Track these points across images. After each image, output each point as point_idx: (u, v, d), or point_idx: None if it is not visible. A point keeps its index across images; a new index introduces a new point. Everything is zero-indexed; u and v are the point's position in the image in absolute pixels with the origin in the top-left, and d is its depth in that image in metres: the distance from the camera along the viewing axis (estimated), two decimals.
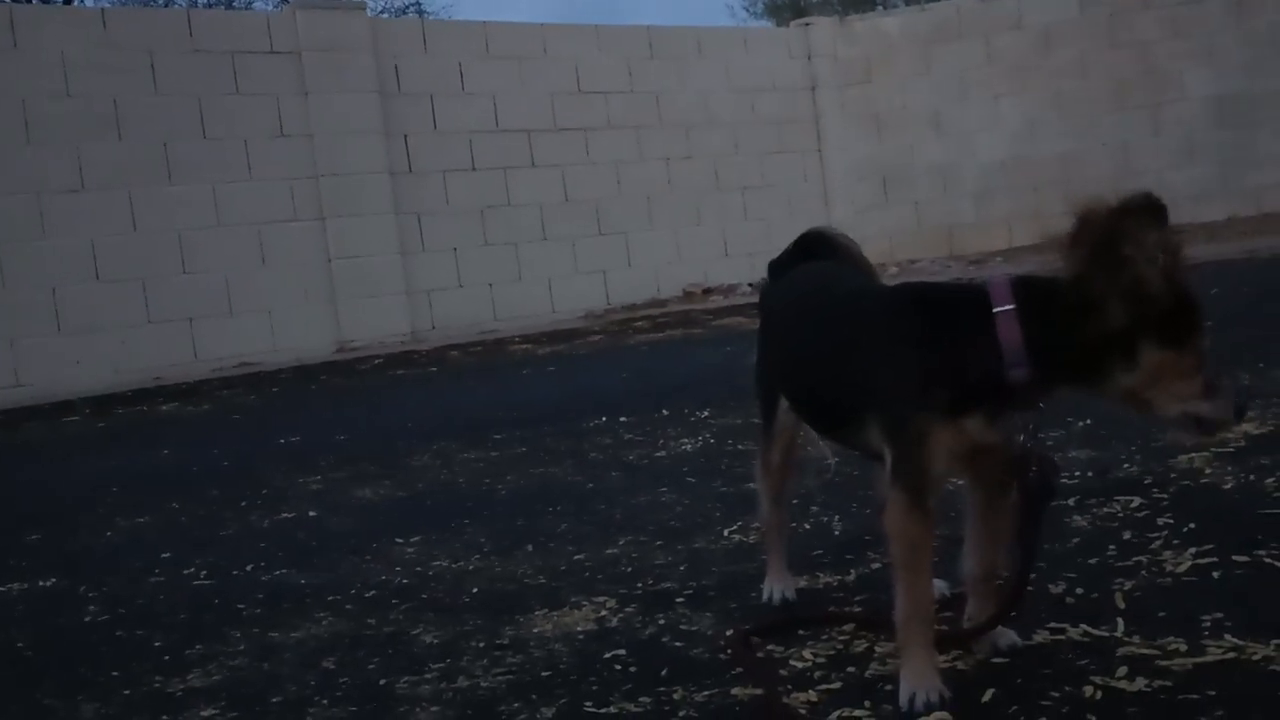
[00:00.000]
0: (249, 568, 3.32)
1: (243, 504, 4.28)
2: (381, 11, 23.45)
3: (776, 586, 2.49)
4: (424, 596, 2.84)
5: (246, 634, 2.69)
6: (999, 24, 14.07)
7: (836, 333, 2.06)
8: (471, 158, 11.81)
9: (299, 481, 4.60)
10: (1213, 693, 1.73)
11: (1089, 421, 3.77)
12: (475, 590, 2.84)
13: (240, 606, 2.93)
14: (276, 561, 3.36)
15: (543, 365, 8.40)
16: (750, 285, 12.87)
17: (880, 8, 16.15)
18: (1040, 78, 13.90)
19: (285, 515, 4.01)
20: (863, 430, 1.98)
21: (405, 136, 11.41)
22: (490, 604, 2.71)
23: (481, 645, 2.42)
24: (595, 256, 12.52)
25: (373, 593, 2.92)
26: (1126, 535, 2.59)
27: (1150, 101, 13.69)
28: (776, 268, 2.49)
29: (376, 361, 9.69)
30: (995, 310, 1.81)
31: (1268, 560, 2.28)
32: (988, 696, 1.85)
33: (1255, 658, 1.84)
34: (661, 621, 2.43)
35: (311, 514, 3.99)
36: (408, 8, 25.67)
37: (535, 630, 2.47)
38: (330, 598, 2.91)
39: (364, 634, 2.60)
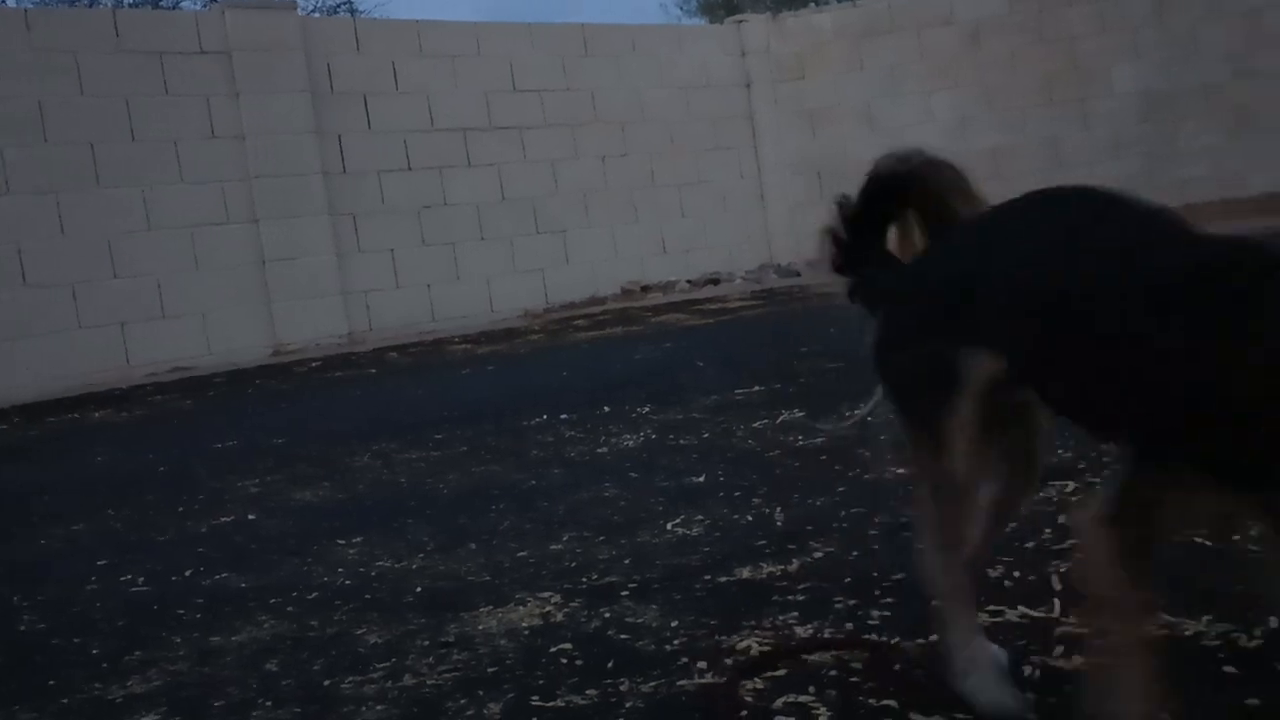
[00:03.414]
0: (188, 573, 3.28)
1: (180, 509, 4.22)
2: (313, 10, 23.20)
3: (986, 679, 1.74)
4: (367, 597, 2.82)
5: (186, 639, 2.66)
6: (930, 20, 14.23)
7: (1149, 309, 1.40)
8: (407, 157, 11.72)
9: (237, 485, 4.54)
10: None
11: None
12: (419, 589, 2.83)
13: (180, 611, 2.89)
14: (216, 565, 3.32)
15: (482, 365, 8.36)
16: (690, 282, 12.92)
17: (813, 4, 16.25)
18: (971, 73, 14.09)
19: (223, 519, 3.96)
20: None
21: (339, 136, 11.30)
22: (434, 602, 2.70)
23: (426, 644, 2.41)
24: (533, 255, 12.49)
25: (315, 594, 2.90)
26: (1062, 519, 2.63)
27: (1078, 96, 13.92)
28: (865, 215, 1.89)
29: (313, 364, 9.60)
30: None
31: (1197, 539, 2.33)
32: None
33: (1187, 633, 1.89)
34: (606, 615, 2.44)
35: (250, 517, 3.95)
36: (339, 6, 25.43)
37: (480, 627, 2.47)
38: (271, 600, 2.88)
39: (307, 635, 2.58)
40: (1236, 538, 2.26)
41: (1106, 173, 12.88)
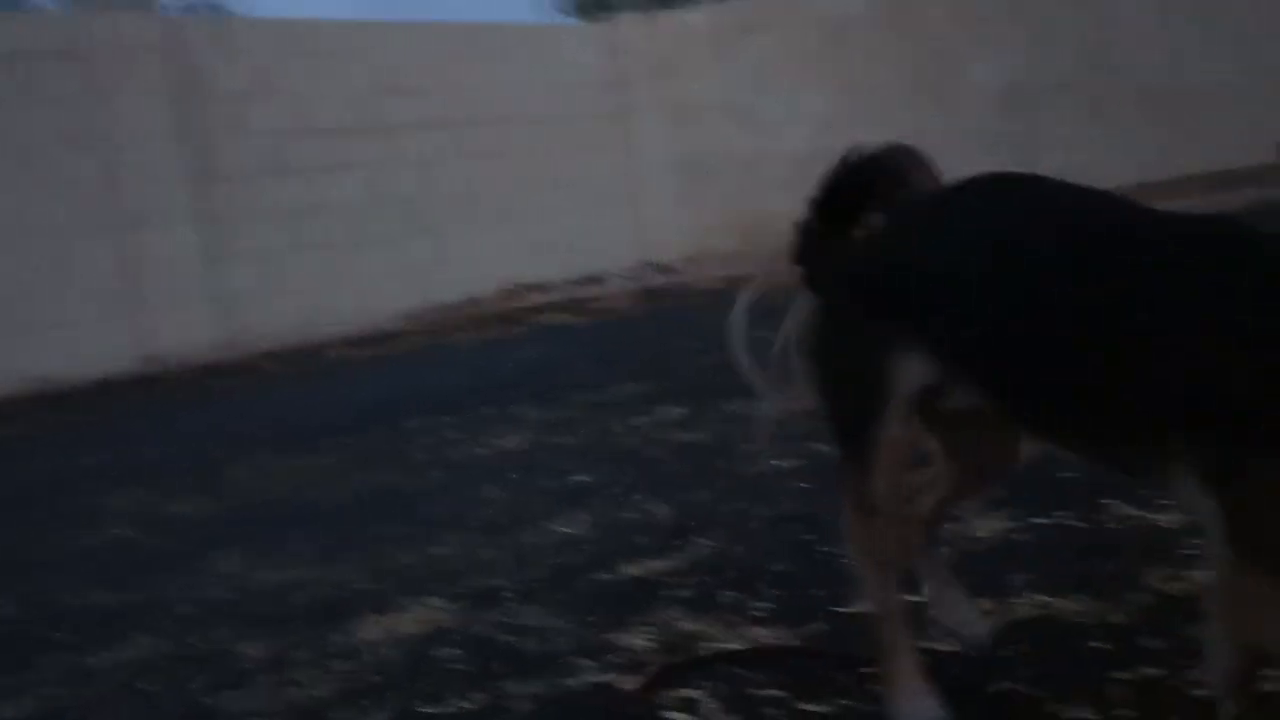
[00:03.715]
0: (60, 593, 3.17)
1: (50, 528, 4.08)
2: (178, 10, 22.57)
3: (918, 709, 1.65)
4: (247, 611, 2.77)
5: (60, 661, 2.58)
6: (797, 17, 14.46)
7: (1142, 295, 1.26)
8: (279, 160, 11.49)
9: (109, 501, 4.40)
10: (1023, 647, 1.84)
11: None
12: (300, 601, 2.79)
13: (53, 633, 2.80)
14: (89, 584, 3.22)
15: (362, 369, 8.25)
16: (569, 281, 12.90)
17: (683, 3, 16.36)
18: (838, 69, 14.36)
19: (96, 537, 3.85)
20: (1156, 457, 1.27)
21: (207, 139, 11.03)
22: (317, 613, 2.66)
23: (310, 655, 2.38)
24: (411, 257, 12.35)
25: (193, 610, 2.84)
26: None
27: (941, 90, 14.29)
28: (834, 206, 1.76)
29: (187, 374, 9.35)
30: None
31: (1068, 522, 2.42)
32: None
33: (1060, 612, 1.96)
34: (492, 618, 2.43)
35: (124, 534, 3.84)
36: (202, 6, 24.79)
37: (364, 636, 2.44)
38: (148, 618, 2.81)
39: (185, 653, 2.52)
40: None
41: (970, 165, 13.20)
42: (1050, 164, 14.05)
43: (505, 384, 6.05)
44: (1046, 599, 2.01)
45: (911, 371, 1.49)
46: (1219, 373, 1.17)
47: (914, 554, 1.81)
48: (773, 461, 3.37)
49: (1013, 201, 1.46)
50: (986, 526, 2.48)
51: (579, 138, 13.88)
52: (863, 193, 1.71)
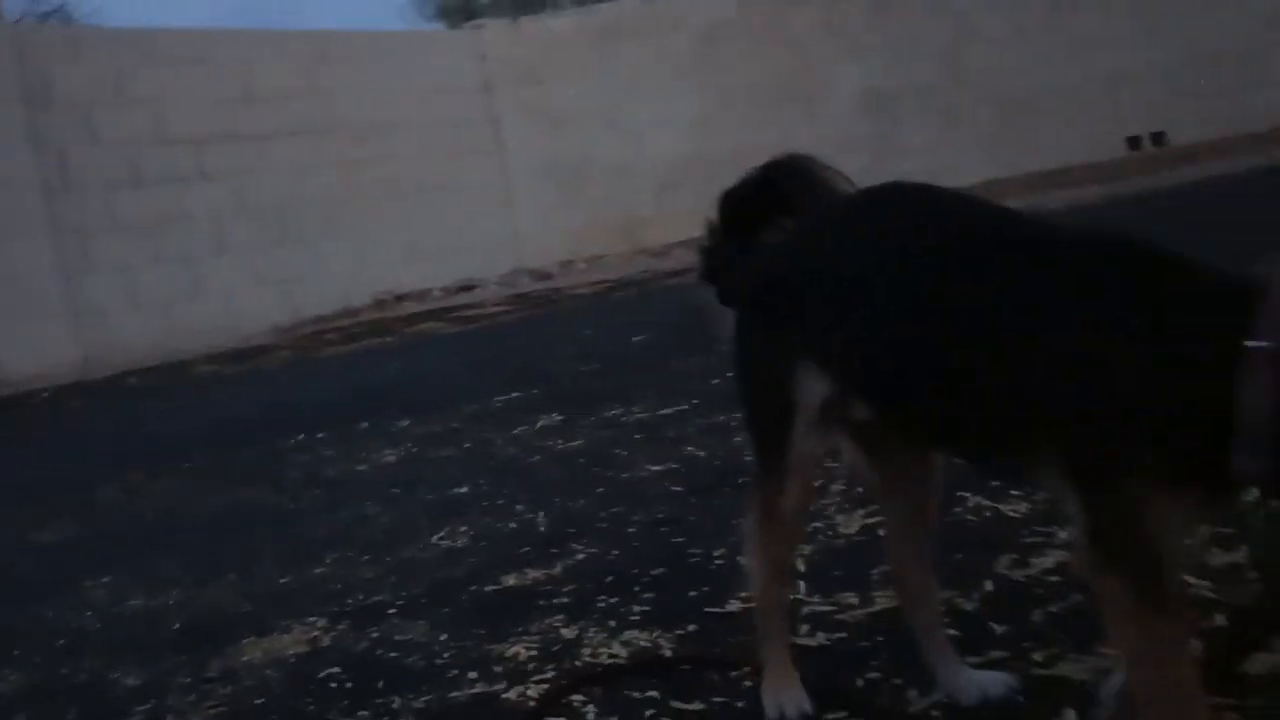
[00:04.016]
0: None
1: None
2: (24, 17, 21.77)
3: (787, 699, 1.73)
4: (121, 638, 2.73)
5: None
6: (665, 24, 14.62)
7: (1014, 300, 1.31)
8: (137, 170, 11.20)
9: None
10: (881, 639, 1.93)
11: None
12: (176, 626, 2.76)
13: None
14: None
15: (232, 385, 8.10)
16: (443, 289, 12.84)
17: (550, 9, 16.39)
18: (707, 75, 14.55)
19: None
20: (1030, 461, 1.34)
21: (60, 150, 10.69)
22: (194, 638, 2.64)
23: (188, 681, 2.36)
24: (279, 268, 12.16)
25: (63, 640, 2.79)
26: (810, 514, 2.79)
27: (807, 96, 14.60)
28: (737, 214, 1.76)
29: (44, 394, 9.06)
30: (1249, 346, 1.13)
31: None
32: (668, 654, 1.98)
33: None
34: (375, 635, 2.45)
35: None
36: (50, 13, 23.98)
37: (245, 659, 2.43)
38: (15, 651, 2.75)
39: (57, 685, 2.48)
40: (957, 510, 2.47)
41: (838, 167, 13.56)
42: (910, 165, 14.56)
43: (382, 396, 6.03)
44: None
45: (813, 384, 1.53)
46: (1082, 384, 1.23)
47: (915, 611, 1.75)
48: (648, 467, 3.44)
49: (896, 214, 1.49)
50: (849, 523, 2.58)
51: (448, 145, 13.81)
52: (764, 203, 1.73)
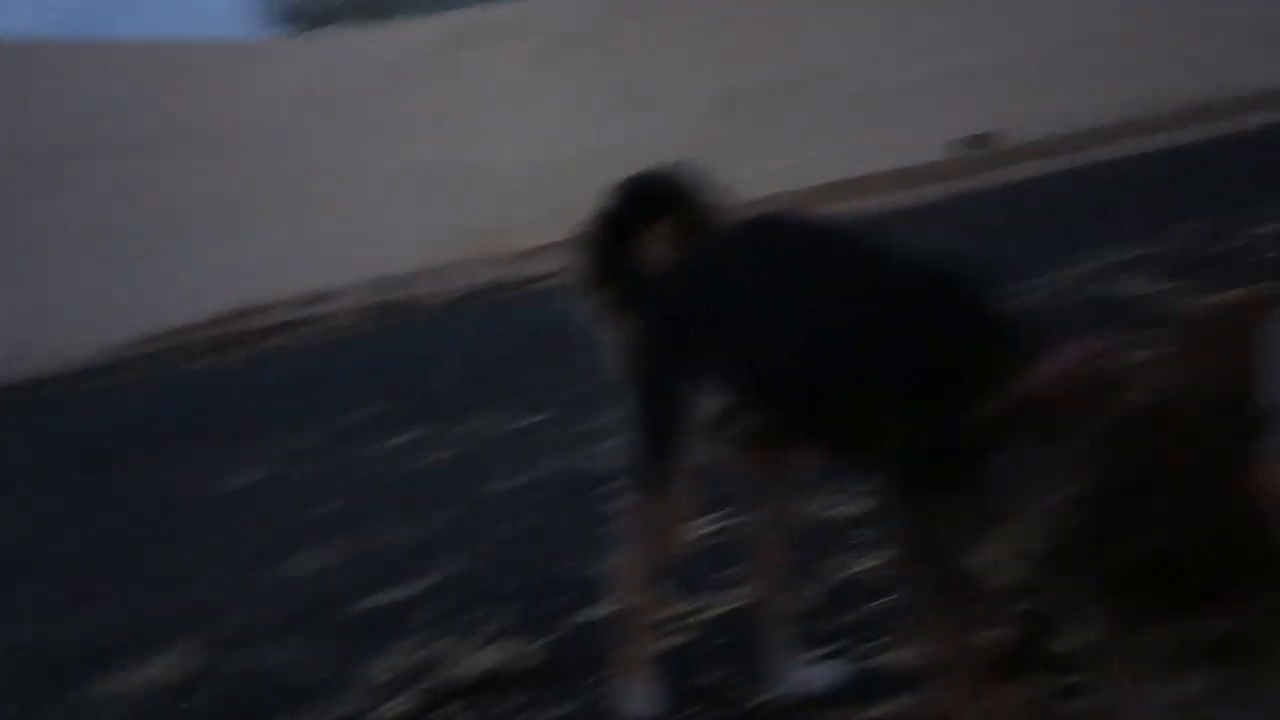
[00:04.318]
0: None
1: None
2: None
3: (642, 698, 1.84)
4: None
5: None
6: (518, 31, 14.70)
7: (860, 330, 1.48)
8: None
9: None
10: (728, 638, 2.08)
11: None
12: (43, 656, 2.76)
13: None
14: None
15: (83, 405, 7.90)
16: (301, 298, 12.67)
17: (400, 14, 16.27)
18: (561, 81, 14.67)
19: None
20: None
21: None
22: (63, 668, 2.65)
23: (56, 714, 2.38)
24: (129, 283, 11.87)
25: None
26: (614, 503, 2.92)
27: (658, 100, 14.85)
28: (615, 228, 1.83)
29: None
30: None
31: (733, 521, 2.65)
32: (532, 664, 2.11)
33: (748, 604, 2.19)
34: (247, 657, 2.50)
35: None
36: None
37: (115, 688, 2.45)
38: None
39: None
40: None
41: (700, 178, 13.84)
42: (759, 166, 14.94)
43: (242, 413, 5.99)
44: (744, 593, 2.23)
45: (708, 396, 1.64)
46: (897, 405, 1.39)
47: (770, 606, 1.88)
48: (511, 479, 3.55)
49: (779, 245, 1.63)
50: (698, 528, 2.72)
51: (301, 153, 13.65)
52: (638, 215, 1.81)
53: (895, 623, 1.96)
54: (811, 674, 1.87)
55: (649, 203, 1.83)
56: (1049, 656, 1.71)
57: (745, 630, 1.99)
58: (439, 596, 2.66)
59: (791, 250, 1.61)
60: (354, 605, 2.71)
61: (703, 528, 2.73)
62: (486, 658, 2.25)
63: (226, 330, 11.49)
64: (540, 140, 14.39)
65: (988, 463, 1.23)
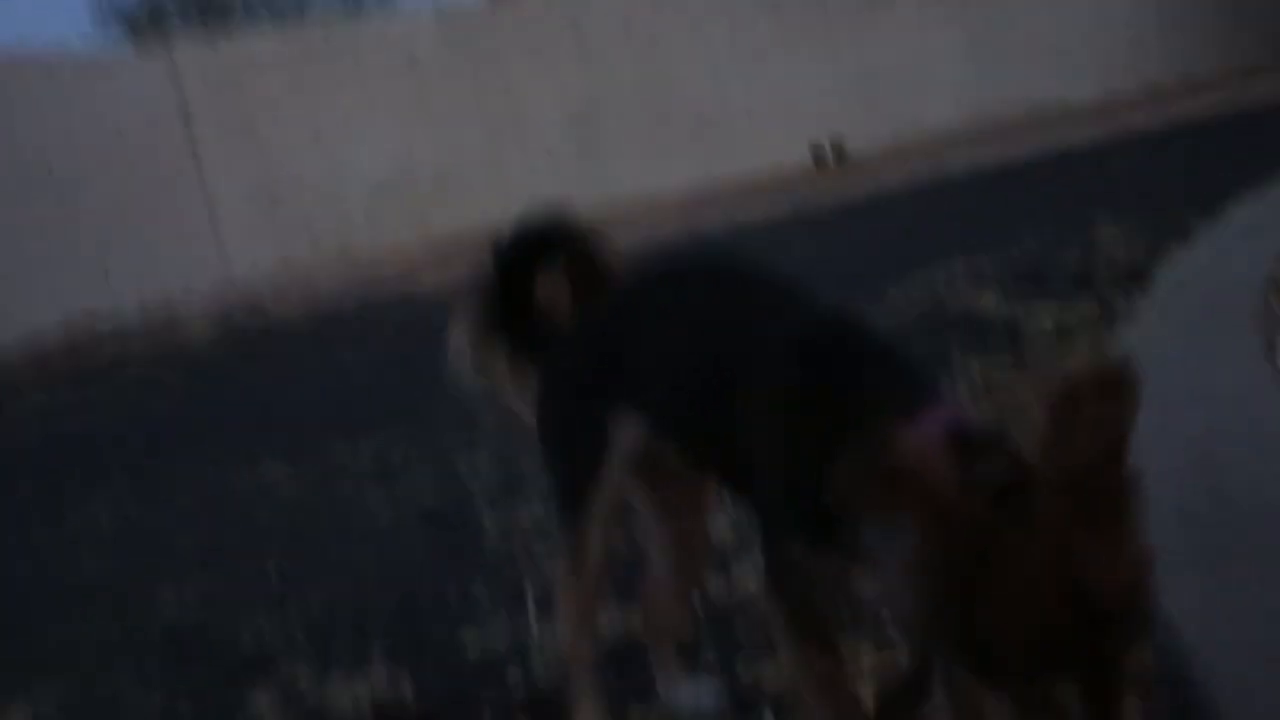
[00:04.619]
0: None
1: None
2: None
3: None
4: None
5: None
6: (368, 45, 14.52)
7: (749, 374, 1.53)
8: None
9: None
10: (608, 660, 2.11)
11: (494, 427, 4.14)
12: None
13: None
14: None
15: None
16: (142, 320, 12.28)
17: (245, 26, 15.94)
18: (412, 96, 14.55)
19: None
20: None
21: None
22: None
23: None
24: None
25: None
26: (532, 534, 2.95)
27: (511, 115, 14.84)
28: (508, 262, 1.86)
29: None
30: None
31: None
32: (409, 694, 2.11)
33: (635, 626, 2.23)
34: (110, 702, 2.44)
35: None
36: None
37: None
38: None
39: None
40: None
41: (543, 185, 13.87)
42: (611, 180, 15.02)
43: (88, 446, 5.78)
44: (623, 617, 2.27)
45: (626, 431, 1.68)
46: (770, 451, 1.44)
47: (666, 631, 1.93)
48: (378, 506, 3.52)
49: (693, 287, 1.69)
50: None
51: (144, 168, 13.21)
52: (531, 256, 1.83)
53: (767, 643, 2.02)
54: (690, 692, 1.91)
55: (536, 250, 1.84)
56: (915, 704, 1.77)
57: (633, 650, 2.03)
58: (309, 629, 2.64)
59: (702, 295, 1.66)
60: (222, 641, 2.67)
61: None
62: (361, 690, 2.24)
63: (67, 351, 11.05)
64: (393, 155, 14.24)
65: (846, 521, 1.24)
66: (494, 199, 13.50)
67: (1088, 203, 6.65)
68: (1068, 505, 1.04)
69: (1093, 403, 1.06)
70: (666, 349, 1.64)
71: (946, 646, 1.13)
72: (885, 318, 4.64)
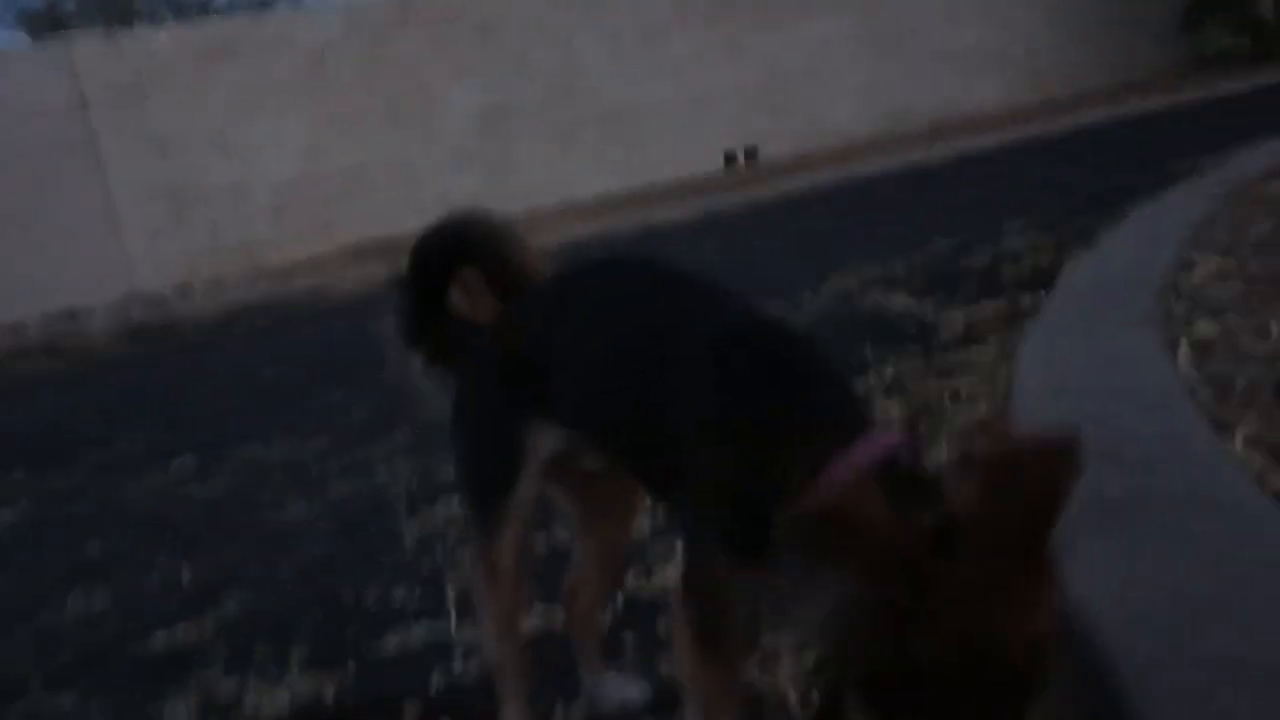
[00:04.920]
0: None
1: None
2: None
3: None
4: None
5: None
6: (272, 42, 14.29)
7: (674, 381, 1.50)
8: None
9: None
10: (533, 657, 2.12)
11: (411, 432, 4.12)
12: None
13: None
14: None
15: None
16: (43, 323, 11.96)
17: (146, 21, 15.61)
18: (318, 95, 14.36)
19: None
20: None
21: None
22: None
23: None
24: None
25: None
26: (452, 536, 2.95)
27: (420, 115, 14.73)
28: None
29: None
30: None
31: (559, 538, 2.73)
32: (331, 698, 2.10)
33: (556, 622, 2.24)
34: (20, 711, 2.39)
35: None
36: None
37: None
38: None
39: None
40: None
41: (454, 187, 13.80)
42: (524, 182, 15.02)
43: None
44: (555, 611, 2.28)
45: (545, 437, 1.65)
46: (697, 460, 1.42)
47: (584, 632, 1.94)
48: (294, 509, 3.49)
49: (614, 290, 1.66)
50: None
51: (39, 168, 12.87)
52: (448, 258, 1.81)
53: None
54: (612, 688, 1.93)
55: (454, 251, 1.82)
56: None
57: (556, 646, 2.04)
58: (225, 635, 2.61)
59: (626, 296, 1.64)
60: (136, 649, 2.62)
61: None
62: (282, 695, 2.22)
63: None
64: (299, 154, 14.05)
65: (771, 544, 1.21)
66: (403, 201, 13.41)
67: (994, 206, 6.80)
68: (989, 561, 1.04)
69: (1033, 469, 1.05)
70: (586, 353, 1.61)
71: (852, 683, 1.13)
72: (798, 318, 4.72)
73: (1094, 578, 1.47)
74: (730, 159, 16.14)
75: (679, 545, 1.55)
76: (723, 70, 16.21)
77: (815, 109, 16.79)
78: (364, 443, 4.09)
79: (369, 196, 13.94)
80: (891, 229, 6.94)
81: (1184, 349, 2.68)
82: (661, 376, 1.49)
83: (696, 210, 11.38)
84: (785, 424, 1.33)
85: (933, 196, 8.97)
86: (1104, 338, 2.95)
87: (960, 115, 16.80)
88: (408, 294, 1.83)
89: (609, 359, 1.58)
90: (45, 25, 21.72)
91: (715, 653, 1.43)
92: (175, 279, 13.16)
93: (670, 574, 2.32)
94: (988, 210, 6.67)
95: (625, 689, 1.93)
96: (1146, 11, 18.26)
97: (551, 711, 1.92)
